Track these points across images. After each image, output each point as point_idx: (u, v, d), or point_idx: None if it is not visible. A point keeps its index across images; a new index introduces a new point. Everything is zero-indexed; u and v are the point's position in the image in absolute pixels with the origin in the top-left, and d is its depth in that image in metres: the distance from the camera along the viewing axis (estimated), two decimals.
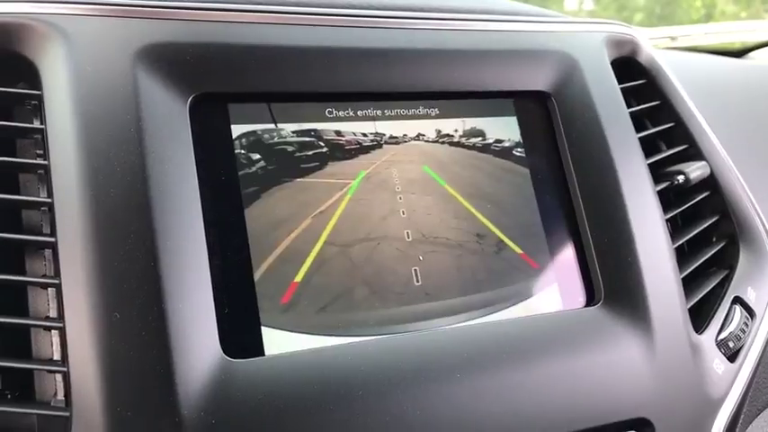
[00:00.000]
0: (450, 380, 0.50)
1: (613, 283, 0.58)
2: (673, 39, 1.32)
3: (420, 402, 0.48)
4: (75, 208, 0.45)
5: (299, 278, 0.50)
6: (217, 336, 0.46)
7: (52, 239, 0.46)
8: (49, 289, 0.46)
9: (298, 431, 0.45)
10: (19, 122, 0.49)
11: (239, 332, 0.48)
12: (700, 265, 0.66)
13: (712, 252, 0.68)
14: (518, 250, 0.58)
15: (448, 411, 0.49)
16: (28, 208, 0.48)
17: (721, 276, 0.67)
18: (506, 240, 0.58)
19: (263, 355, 0.48)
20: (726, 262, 0.69)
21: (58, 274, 0.45)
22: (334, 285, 0.51)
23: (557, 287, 0.58)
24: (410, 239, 0.54)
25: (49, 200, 0.46)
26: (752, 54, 1.34)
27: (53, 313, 0.46)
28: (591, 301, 0.58)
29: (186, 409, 0.43)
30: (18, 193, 0.49)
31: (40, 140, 0.48)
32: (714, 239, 0.70)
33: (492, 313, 0.55)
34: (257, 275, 0.49)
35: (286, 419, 0.45)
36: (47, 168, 0.47)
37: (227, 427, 0.44)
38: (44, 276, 0.46)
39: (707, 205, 0.71)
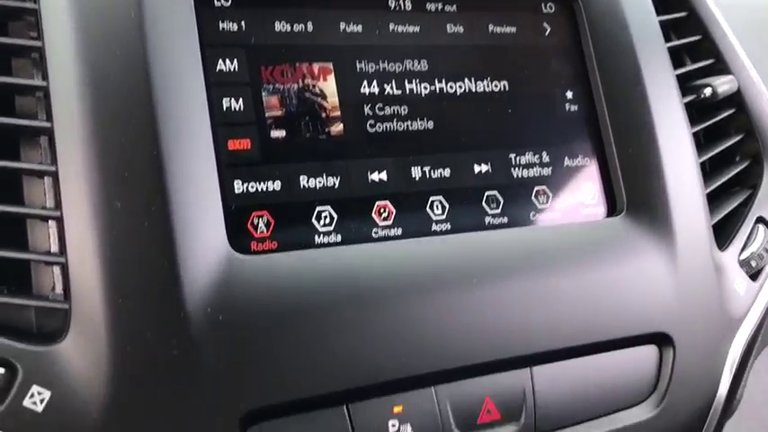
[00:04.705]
0: (466, 286, 0.48)
1: (636, 194, 0.55)
2: None
3: (434, 308, 0.46)
4: (72, 91, 0.42)
5: None
6: (224, 228, 0.43)
7: (48, 125, 0.43)
8: (46, 178, 0.43)
9: (306, 330, 0.43)
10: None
11: None
12: (722, 184, 0.63)
13: (736, 171, 0.65)
14: None
15: (463, 318, 0.47)
16: (22, 93, 0.45)
17: (744, 196, 0.65)
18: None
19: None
20: (749, 182, 0.66)
21: (54, 161, 0.42)
22: None
23: None
24: None
25: (44, 83, 0.43)
26: None
27: (50, 203, 0.43)
28: (613, 211, 0.56)
29: (191, 303, 0.41)
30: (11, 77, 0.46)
31: (33, 22, 0.45)
32: (738, 158, 0.67)
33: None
34: None
35: (295, 318, 0.43)
36: (41, 51, 0.44)
37: (234, 323, 0.42)
38: (40, 164, 0.44)
39: (732, 123, 0.67)
